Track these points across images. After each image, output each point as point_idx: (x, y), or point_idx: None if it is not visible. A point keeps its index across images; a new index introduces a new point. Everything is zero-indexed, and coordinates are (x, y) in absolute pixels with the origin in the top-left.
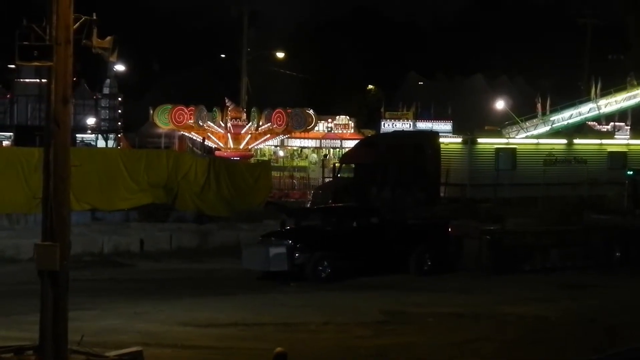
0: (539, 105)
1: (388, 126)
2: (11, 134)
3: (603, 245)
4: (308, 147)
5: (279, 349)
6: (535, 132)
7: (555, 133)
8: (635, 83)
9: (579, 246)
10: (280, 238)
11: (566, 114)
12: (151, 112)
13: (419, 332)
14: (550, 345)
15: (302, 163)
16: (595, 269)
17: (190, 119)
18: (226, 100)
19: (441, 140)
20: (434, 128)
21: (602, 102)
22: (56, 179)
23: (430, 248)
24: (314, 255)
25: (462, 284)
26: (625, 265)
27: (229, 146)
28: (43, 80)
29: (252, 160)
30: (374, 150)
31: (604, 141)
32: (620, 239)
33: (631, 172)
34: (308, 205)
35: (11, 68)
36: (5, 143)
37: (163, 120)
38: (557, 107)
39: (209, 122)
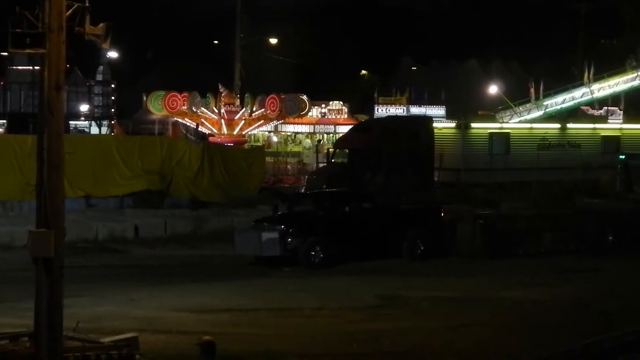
0: (532, 90)
1: (382, 111)
2: (4, 121)
3: (596, 229)
4: (302, 133)
5: (205, 337)
6: (528, 117)
7: (548, 117)
8: (635, 64)
9: (572, 230)
10: (272, 223)
11: (559, 98)
12: (145, 98)
13: (414, 316)
14: (545, 330)
15: (296, 148)
16: (588, 253)
17: (184, 105)
18: (220, 86)
19: (435, 125)
20: (427, 113)
21: (595, 86)
22: (50, 166)
23: (423, 233)
24: (307, 240)
25: (457, 268)
26: (618, 249)
27: (222, 132)
28: (36, 68)
29: (246, 146)
30: (367, 136)
31: (597, 125)
32: (613, 223)
33: (623, 156)
34: (302, 190)
35: (4, 56)
36: None
37: (156, 107)
38: (551, 92)
39: (202, 108)
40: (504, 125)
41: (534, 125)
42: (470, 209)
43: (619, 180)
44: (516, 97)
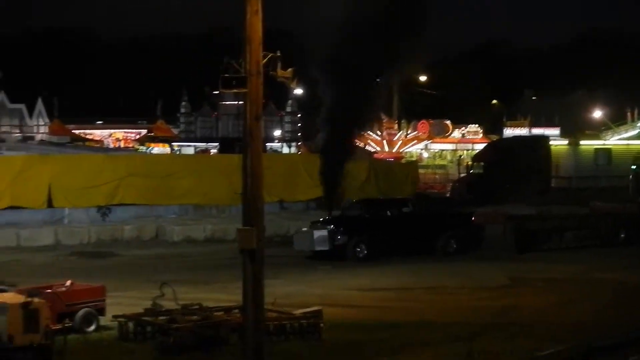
0: (629, 114)
1: (509, 132)
2: (217, 144)
3: (610, 227)
4: (446, 150)
5: None
6: (626, 135)
7: None
8: None
9: (590, 229)
10: (324, 224)
11: None
12: None
13: (534, 294)
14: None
15: (442, 162)
16: (601, 247)
17: None
18: (381, 115)
19: (551, 142)
20: (545, 133)
21: None
22: (252, 178)
23: (456, 233)
24: (353, 238)
25: (551, 257)
26: (629, 244)
27: (384, 150)
28: (240, 103)
29: (403, 160)
30: (498, 151)
31: None
32: (624, 222)
33: (635, 167)
34: (447, 195)
35: (216, 94)
36: (212, 151)
37: None
38: None
39: (368, 132)
40: (607, 142)
41: (631, 142)
42: (503, 211)
43: (630, 187)
44: (616, 119)
